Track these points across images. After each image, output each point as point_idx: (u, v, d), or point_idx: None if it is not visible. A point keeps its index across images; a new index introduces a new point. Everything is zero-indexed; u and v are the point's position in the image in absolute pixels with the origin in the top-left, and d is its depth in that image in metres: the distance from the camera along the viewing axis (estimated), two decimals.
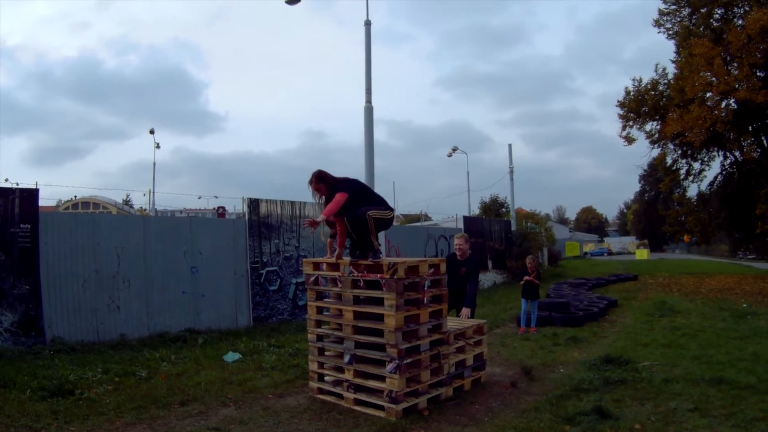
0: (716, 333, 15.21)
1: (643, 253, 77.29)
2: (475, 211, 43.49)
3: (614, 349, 13.18)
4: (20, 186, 13.72)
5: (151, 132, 48.18)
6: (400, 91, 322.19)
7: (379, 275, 8.65)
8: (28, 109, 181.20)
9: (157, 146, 46.77)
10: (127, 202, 52.15)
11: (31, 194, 13.69)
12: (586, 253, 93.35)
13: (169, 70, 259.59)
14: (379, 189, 18.60)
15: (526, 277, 16.84)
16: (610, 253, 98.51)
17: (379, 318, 8.75)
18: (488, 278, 31.99)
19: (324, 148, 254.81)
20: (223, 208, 31.56)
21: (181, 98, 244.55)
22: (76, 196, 47.20)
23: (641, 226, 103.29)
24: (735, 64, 30.73)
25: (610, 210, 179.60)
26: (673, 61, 35.96)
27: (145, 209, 40.48)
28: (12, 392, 9.42)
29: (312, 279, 9.90)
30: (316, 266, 9.92)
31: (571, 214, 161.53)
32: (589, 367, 11.45)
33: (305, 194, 18.44)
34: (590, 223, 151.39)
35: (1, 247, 13.03)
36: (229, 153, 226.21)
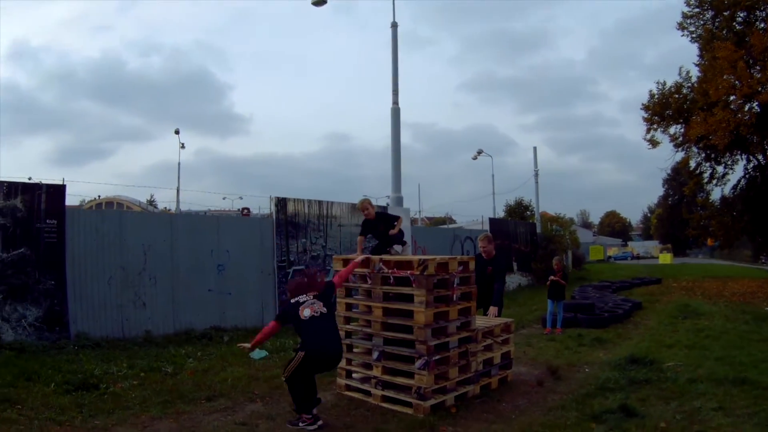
0: (739, 335, 15.15)
1: (666, 257, 77.00)
2: (500, 213, 43.43)
3: (639, 349, 13.11)
4: (47, 182, 13.74)
5: (176, 132, 48.25)
6: (423, 95, 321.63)
7: (409, 272, 8.68)
8: (50, 109, 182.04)
9: (182, 146, 46.95)
10: (151, 202, 52.29)
11: (58, 190, 13.72)
12: (609, 257, 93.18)
13: (192, 72, 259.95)
14: (403, 191, 18.69)
15: (552, 277, 16.85)
16: (633, 257, 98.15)
17: (408, 315, 8.77)
18: (513, 280, 31.82)
19: (347, 151, 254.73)
20: (248, 209, 31.64)
21: (204, 100, 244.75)
22: (99, 196, 47.32)
23: (665, 230, 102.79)
24: (758, 67, 30.49)
25: (633, 214, 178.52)
26: (697, 65, 35.77)
27: (169, 209, 40.64)
28: (36, 385, 9.46)
29: None
30: (346, 263, 9.89)
31: (595, 218, 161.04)
32: (614, 367, 11.46)
33: (329, 196, 18.36)
34: (614, 227, 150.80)
35: (26, 242, 13.06)
36: (253, 155, 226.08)
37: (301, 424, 7.84)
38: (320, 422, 7.90)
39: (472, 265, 9.69)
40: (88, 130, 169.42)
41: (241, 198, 45.84)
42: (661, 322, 18.36)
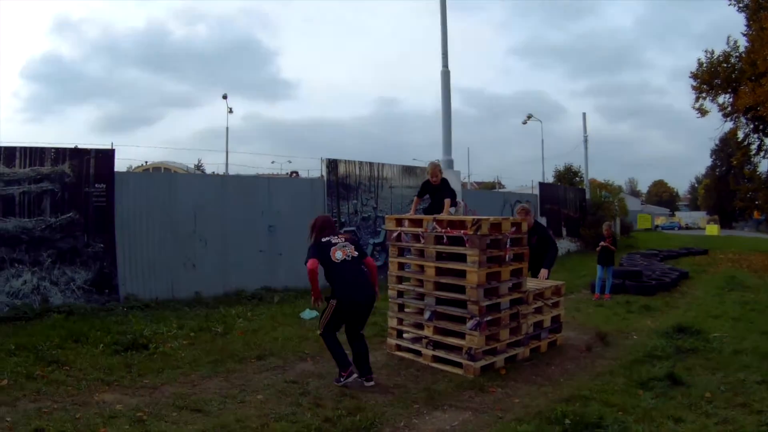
0: None
1: (713, 229, 76.18)
2: (549, 179, 43.20)
3: (686, 318, 13.05)
4: (95, 147, 13.79)
5: (224, 97, 48.17)
6: (473, 60, 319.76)
7: (462, 231, 8.68)
8: (95, 79, 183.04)
9: (230, 111, 46.76)
10: (198, 166, 52.27)
11: (107, 155, 13.80)
12: (657, 226, 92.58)
13: (238, 39, 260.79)
14: (453, 155, 18.63)
15: (602, 243, 16.79)
16: (681, 228, 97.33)
17: (461, 275, 8.79)
18: (562, 246, 31.37)
19: (397, 116, 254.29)
20: (296, 172, 31.51)
21: (252, 66, 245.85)
22: (147, 161, 47.58)
23: (712, 201, 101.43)
24: None
25: (681, 184, 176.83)
26: (744, 34, 35.01)
27: (216, 173, 40.83)
28: (84, 347, 9.59)
29: (394, 235, 9.96)
30: (399, 222, 9.98)
31: (643, 187, 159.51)
32: (661, 335, 11.42)
33: (379, 160, 18.37)
34: (661, 196, 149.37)
35: (75, 206, 13.17)
36: (302, 119, 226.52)
37: (342, 380, 7.93)
38: (371, 382, 7.97)
39: (524, 227, 9.68)
40: (135, 98, 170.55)
41: (290, 161, 45.60)
42: (708, 292, 18.25)
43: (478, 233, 8.51)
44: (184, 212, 14.81)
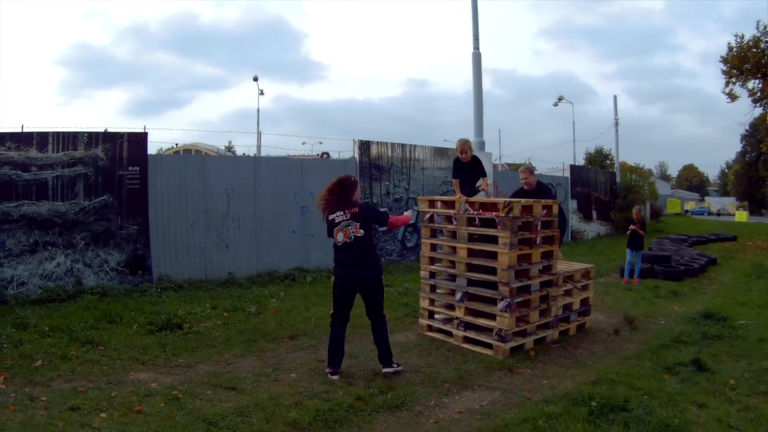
0: None
1: (742, 215, 75.50)
2: (580, 161, 43.15)
3: (712, 305, 13.06)
4: (128, 131, 13.93)
5: (255, 79, 48.29)
6: (503, 41, 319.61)
7: (494, 213, 8.80)
8: (124, 63, 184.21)
9: (261, 93, 46.97)
10: (229, 148, 52.42)
11: (140, 138, 13.95)
12: (686, 211, 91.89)
13: (268, 21, 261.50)
14: (484, 136, 18.67)
15: (632, 227, 16.80)
16: (710, 213, 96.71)
17: (492, 256, 8.90)
18: (592, 228, 31.90)
19: (427, 97, 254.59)
20: (327, 153, 31.54)
21: (282, 48, 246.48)
22: (177, 144, 47.75)
23: (742, 187, 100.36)
24: None
25: (711, 169, 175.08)
26: None
27: (246, 155, 40.94)
28: (118, 327, 9.78)
29: (427, 216, 10.08)
30: (432, 204, 10.09)
31: (673, 171, 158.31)
32: (688, 320, 11.46)
33: (410, 141, 18.37)
34: (691, 181, 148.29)
35: (108, 189, 13.34)
36: (332, 100, 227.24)
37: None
38: (389, 368, 7.94)
39: (555, 209, 9.73)
40: (164, 81, 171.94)
41: (320, 143, 45.65)
42: (735, 279, 18.23)
43: (510, 215, 8.59)
44: (217, 194, 14.94)
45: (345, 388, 7.13)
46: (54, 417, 5.93)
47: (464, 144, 10.94)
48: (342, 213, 7.80)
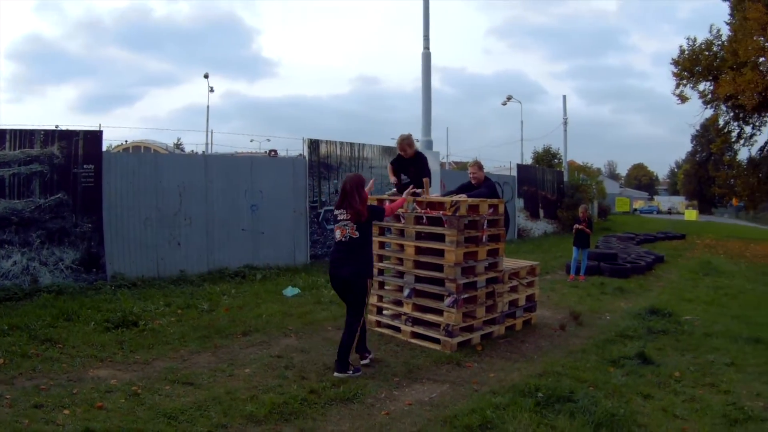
0: (758, 296, 15.38)
1: (691, 214, 76.59)
2: (528, 160, 43.62)
3: (658, 301, 13.46)
4: (84, 128, 13.87)
5: (206, 76, 48.42)
6: (453, 39, 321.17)
7: (441, 212, 9.03)
8: (76, 58, 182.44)
9: (211, 90, 47.06)
10: (178, 145, 52.10)
11: (95, 136, 13.90)
12: (635, 210, 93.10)
13: (220, 17, 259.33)
14: (432, 135, 18.87)
15: (578, 226, 17.14)
16: (659, 212, 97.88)
17: (440, 254, 9.11)
18: (539, 227, 32.46)
19: (376, 94, 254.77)
20: (275, 151, 31.58)
21: (233, 44, 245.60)
22: (126, 141, 47.44)
23: (691, 186, 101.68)
24: None
25: (660, 168, 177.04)
26: (728, 23, 35.23)
27: (195, 152, 40.79)
28: (76, 325, 9.79)
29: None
30: (380, 202, 10.14)
31: (622, 170, 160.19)
32: (634, 316, 11.81)
33: (358, 138, 18.54)
34: (641, 180, 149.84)
35: (64, 187, 13.30)
36: (282, 97, 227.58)
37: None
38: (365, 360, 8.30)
39: (501, 208, 9.99)
40: (115, 77, 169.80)
41: (268, 140, 45.66)
42: (682, 277, 18.67)
43: (457, 214, 8.84)
44: (169, 192, 14.95)
45: (298, 381, 7.32)
46: (19, 414, 6.01)
47: (403, 141, 10.91)
48: (344, 212, 8.04)
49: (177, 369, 7.72)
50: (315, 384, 7.19)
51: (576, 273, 17.14)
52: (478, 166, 11.39)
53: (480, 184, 11.11)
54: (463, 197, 9.86)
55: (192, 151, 43.82)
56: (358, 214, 7.97)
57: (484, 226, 9.51)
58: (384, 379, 7.60)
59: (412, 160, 10.85)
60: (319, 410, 6.45)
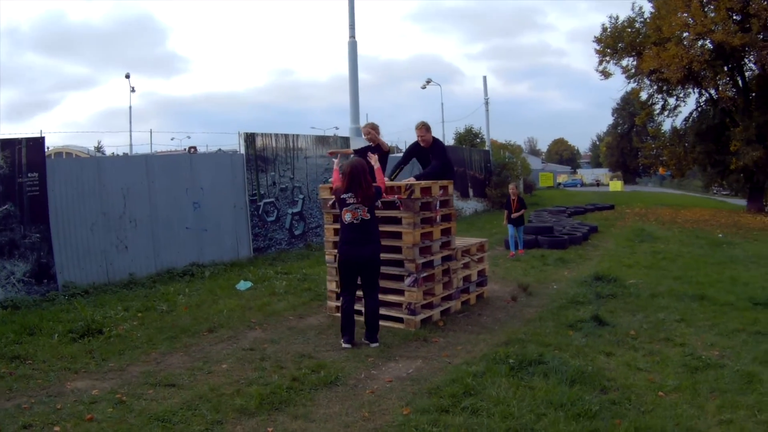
0: (694, 258, 16.15)
1: (617, 185, 77.86)
2: (450, 141, 44.13)
3: (601, 268, 14.02)
4: (25, 136, 13.60)
5: (127, 76, 48.26)
6: (368, 25, 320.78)
7: (396, 196, 9.34)
8: None
9: (132, 90, 46.62)
10: (99, 148, 51.60)
11: (38, 143, 13.60)
12: (559, 184, 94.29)
13: (134, 16, 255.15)
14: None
15: (514, 214, 17.45)
16: (584, 185, 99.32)
17: (396, 236, 9.41)
18: (470, 206, 33.08)
19: (293, 84, 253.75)
20: (195, 147, 31.41)
21: (146, 43, 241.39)
22: (49, 147, 46.69)
23: (614, 158, 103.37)
24: (712, 6, 30.92)
25: (582, 142, 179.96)
26: (650, 0, 36.27)
27: (116, 154, 40.40)
28: (40, 338, 9.59)
29: (329, 203, 10.44)
30: (332, 190, 10.39)
31: (543, 146, 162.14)
32: (580, 283, 12.36)
33: (277, 129, 18.72)
34: (562, 154, 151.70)
35: (10, 197, 12.96)
36: (199, 94, 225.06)
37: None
38: (375, 343, 8.54)
39: (451, 189, 10.37)
40: (33, 83, 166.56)
41: (188, 137, 45.65)
42: (619, 244, 19.39)
43: (412, 197, 9.16)
44: (113, 195, 14.79)
45: (278, 371, 7.48)
46: None
47: (366, 127, 11.12)
48: (353, 195, 8.32)
49: (154, 372, 7.75)
50: (295, 372, 7.37)
51: (515, 248, 17.48)
52: (426, 128, 11.32)
53: (429, 146, 11.22)
54: (412, 180, 10.07)
55: (113, 153, 43.44)
56: (368, 197, 8.31)
57: (437, 207, 9.86)
58: (359, 360, 7.85)
59: (363, 149, 10.93)
60: (307, 396, 6.64)
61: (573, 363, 7.08)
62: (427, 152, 11.19)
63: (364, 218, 8.36)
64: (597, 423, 5.63)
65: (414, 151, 11.50)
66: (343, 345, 8.44)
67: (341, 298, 8.70)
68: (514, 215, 17.49)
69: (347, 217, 8.36)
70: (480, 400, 6.23)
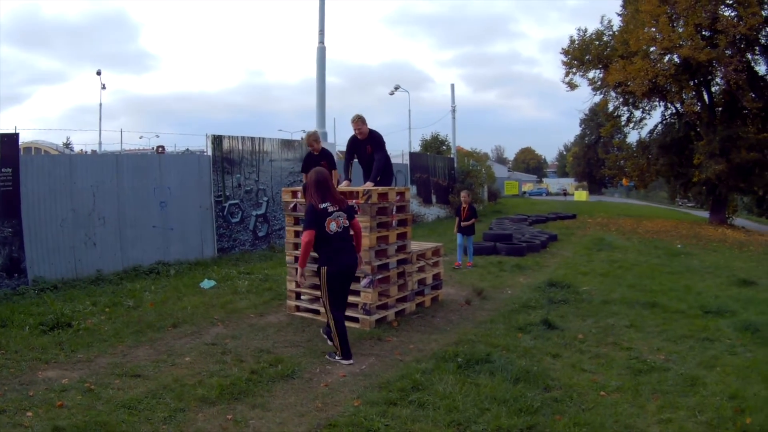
0: (651, 267, 16.60)
1: (582, 195, 78.71)
2: (416, 148, 44.64)
3: (556, 275, 14.50)
4: (0, 131, 13.71)
5: (98, 73, 48.10)
6: (339, 29, 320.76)
7: (354, 201, 9.71)
8: None
9: (103, 87, 46.63)
10: (67, 145, 51.46)
11: (12, 138, 13.75)
12: (524, 192, 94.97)
13: (107, 12, 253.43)
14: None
15: (464, 222, 16.86)
16: (549, 194, 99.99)
17: None
18: (432, 212, 33.40)
19: (264, 86, 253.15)
20: (162, 147, 31.59)
21: (118, 40, 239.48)
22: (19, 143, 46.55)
23: (580, 168, 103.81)
24: (681, 22, 31.63)
25: (549, 151, 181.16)
26: (619, 14, 36.81)
27: (84, 151, 40.51)
28: (12, 330, 9.80)
29: (291, 206, 10.86)
30: (294, 194, 10.92)
31: (510, 154, 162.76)
32: (534, 289, 12.83)
33: (245, 130, 19.01)
34: (529, 163, 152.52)
35: None
36: (169, 93, 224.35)
37: (335, 357, 8.27)
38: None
39: (408, 195, 10.92)
40: (5, 77, 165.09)
41: (157, 136, 45.71)
42: (577, 253, 19.84)
43: (369, 202, 9.63)
44: (83, 192, 15.00)
45: (238, 365, 7.86)
46: None
47: (309, 137, 11.80)
48: (332, 205, 8.19)
49: (121, 364, 8.02)
50: (254, 365, 7.76)
51: (461, 259, 17.15)
52: (362, 120, 11.43)
53: (366, 138, 11.48)
54: (370, 185, 10.54)
55: (81, 150, 43.40)
56: (343, 202, 8.31)
57: (393, 212, 10.32)
58: (315, 356, 8.29)
59: (319, 156, 11.70)
60: (265, 387, 7.05)
61: (519, 363, 7.59)
62: (365, 144, 11.48)
63: (345, 226, 8.27)
64: (538, 418, 6.04)
65: (353, 145, 11.73)
66: (351, 362, 8.08)
67: (333, 315, 8.21)
68: (464, 224, 16.89)
69: (332, 226, 8.12)
70: (427, 394, 6.64)
